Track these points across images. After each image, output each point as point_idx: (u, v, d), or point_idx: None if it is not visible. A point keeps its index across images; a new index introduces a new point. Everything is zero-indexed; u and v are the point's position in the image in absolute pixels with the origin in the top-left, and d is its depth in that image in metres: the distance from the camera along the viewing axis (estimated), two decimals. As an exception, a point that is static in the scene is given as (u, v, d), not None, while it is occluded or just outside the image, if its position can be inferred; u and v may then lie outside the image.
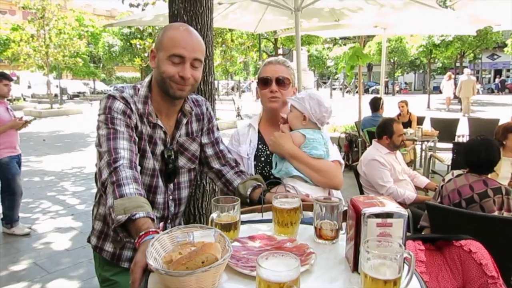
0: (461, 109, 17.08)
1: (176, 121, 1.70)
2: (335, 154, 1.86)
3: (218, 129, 1.90)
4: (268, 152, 1.90)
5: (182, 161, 1.74)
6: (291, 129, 1.81)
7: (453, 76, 18.86)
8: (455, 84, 17.71)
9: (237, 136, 2.03)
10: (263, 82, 1.90)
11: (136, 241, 1.17)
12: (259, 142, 1.95)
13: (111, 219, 1.26)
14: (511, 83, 28.50)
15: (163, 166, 1.68)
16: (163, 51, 1.53)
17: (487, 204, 2.60)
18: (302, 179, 1.73)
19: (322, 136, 1.80)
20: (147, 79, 1.66)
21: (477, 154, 2.75)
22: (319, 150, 1.75)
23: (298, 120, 1.78)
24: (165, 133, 1.65)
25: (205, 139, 1.81)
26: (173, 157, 1.68)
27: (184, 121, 1.71)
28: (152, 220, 1.24)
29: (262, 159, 1.91)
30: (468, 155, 2.82)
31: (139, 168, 1.48)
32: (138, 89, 1.62)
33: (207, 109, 1.83)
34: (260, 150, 1.93)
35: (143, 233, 1.17)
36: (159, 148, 1.65)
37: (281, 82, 1.88)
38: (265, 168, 1.89)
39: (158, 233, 1.16)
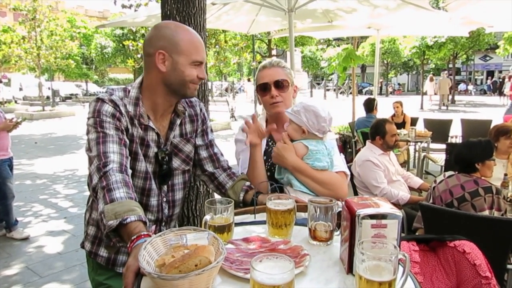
0: (443, 104, 21.51)
1: (169, 122, 1.68)
2: (340, 165, 1.81)
3: (212, 131, 1.88)
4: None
5: (176, 162, 1.72)
6: (292, 140, 1.78)
7: (434, 78, 23.74)
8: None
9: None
10: (262, 89, 1.87)
11: (128, 245, 1.16)
12: (269, 139, 1.93)
13: (103, 225, 1.24)
14: (499, 83, 29.21)
15: (157, 168, 1.66)
16: (183, 55, 1.53)
17: (478, 202, 2.65)
18: (304, 192, 1.71)
19: (326, 146, 1.76)
20: (138, 80, 1.64)
21: (460, 154, 2.88)
22: (322, 161, 1.72)
23: (297, 133, 1.76)
24: (158, 134, 1.63)
25: (199, 141, 1.80)
26: (167, 158, 1.66)
27: (178, 121, 1.70)
28: (144, 223, 1.23)
29: (271, 154, 1.85)
30: (454, 155, 2.96)
31: (130, 171, 1.46)
32: (129, 91, 1.61)
33: (200, 110, 1.82)
34: (269, 145, 1.92)
35: (135, 237, 1.15)
36: (152, 150, 1.63)
37: (280, 85, 1.84)
38: (274, 166, 1.85)
39: (150, 236, 1.15)
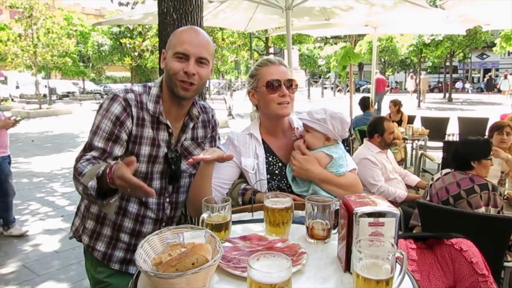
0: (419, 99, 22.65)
1: (183, 124, 1.71)
2: (351, 162, 1.77)
3: (219, 138, 1.91)
4: (280, 164, 1.74)
5: (184, 165, 1.74)
6: (307, 147, 1.69)
7: (414, 76, 26.83)
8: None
9: (236, 145, 1.77)
10: (271, 85, 1.68)
11: (109, 179, 1.25)
12: (268, 155, 1.75)
13: (89, 193, 1.31)
14: (488, 80, 30.09)
15: (166, 168, 1.68)
16: (170, 49, 1.57)
17: (474, 199, 2.65)
18: None
19: (342, 148, 1.72)
20: (159, 79, 1.68)
21: (457, 151, 2.90)
22: (343, 166, 1.68)
23: (319, 141, 1.67)
24: (170, 134, 1.65)
25: (207, 147, 1.82)
26: (176, 159, 1.68)
27: (191, 125, 1.72)
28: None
29: (276, 172, 1.73)
30: (452, 152, 2.97)
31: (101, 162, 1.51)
32: (149, 88, 1.65)
33: (212, 116, 1.86)
34: (271, 163, 1.74)
35: (108, 170, 1.26)
36: (162, 150, 1.65)
37: (290, 86, 1.70)
38: (282, 181, 1.72)
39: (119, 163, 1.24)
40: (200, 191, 1.59)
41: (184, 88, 1.55)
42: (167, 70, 1.57)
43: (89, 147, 1.52)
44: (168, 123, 1.64)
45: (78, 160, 1.49)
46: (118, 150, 1.54)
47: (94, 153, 1.50)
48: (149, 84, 1.67)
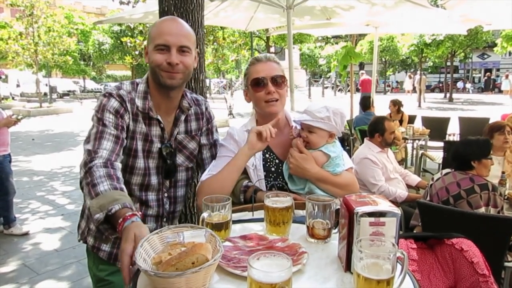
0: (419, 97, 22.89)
1: (174, 117, 1.70)
2: (348, 161, 1.76)
3: (217, 130, 1.89)
4: (277, 161, 1.73)
5: (180, 159, 1.74)
6: (306, 146, 1.68)
7: (412, 76, 28.49)
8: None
9: (237, 140, 1.76)
10: (256, 84, 1.69)
11: (117, 230, 1.18)
12: (265, 151, 1.73)
13: (92, 220, 1.26)
14: (500, 82, 30.06)
15: (160, 163, 1.68)
16: (151, 43, 1.56)
17: (474, 199, 2.65)
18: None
19: (339, 147, 1.73)
20: (146, 75, 1.67)
21: (456, 151, 2.90)
22: (340, 166, 1.68)
23: (324, 139, 1.68)
24: (162, 129, 1.65)
25: (204, 140, 1.81)
26: (171, 154, 1.68)
27: (182, 117, 1.71)
28: (131, 209, 1.24)
29: (273, 169, 1.72)
30: (452, 152, 2.98)
31: (118, 165, 1.47)
32: (137, 84, 1.64)
33: (206, 108, 1.84)
34: (267, 160, 1.74)
35: (121, 220, 1.18)
36: (156, 145, 1.65)
37: (278, 82, 1.68)
38: (278, 179, 1.71)
39: (136, 215, 1.18)
40: (225, 185, 1.59)
41: (170, 76, 1.54)
42: (150, 63, 1.56)
43: (100, 134, 1.47)
44: (159, 117, 1.63)
45: (91, 155, 1.42)
46: (119, 150, 1.54)
47: (108, 145, 1.46)
48: (137, 80, 1.67)
